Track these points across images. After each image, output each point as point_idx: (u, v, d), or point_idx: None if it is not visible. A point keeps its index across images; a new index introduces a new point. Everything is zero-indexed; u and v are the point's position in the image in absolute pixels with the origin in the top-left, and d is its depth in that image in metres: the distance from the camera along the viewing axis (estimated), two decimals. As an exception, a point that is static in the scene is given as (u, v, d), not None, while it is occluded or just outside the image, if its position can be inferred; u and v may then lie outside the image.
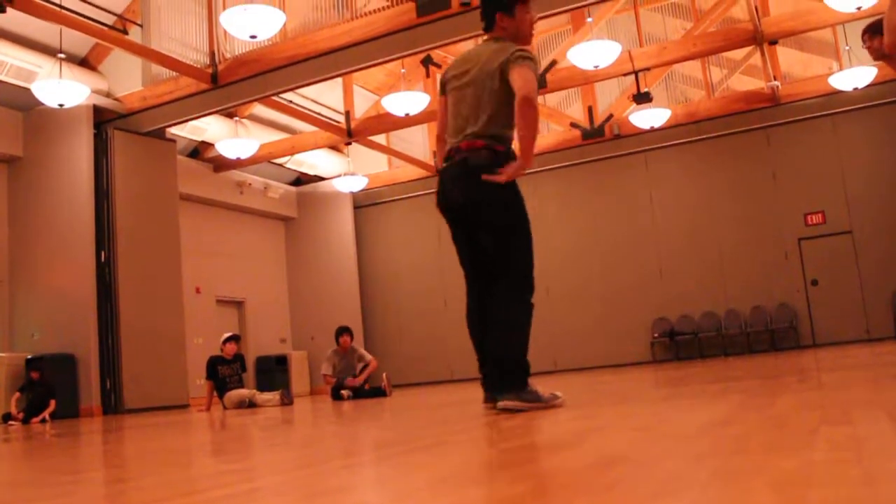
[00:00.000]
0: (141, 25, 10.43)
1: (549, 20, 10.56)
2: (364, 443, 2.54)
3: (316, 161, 14.66)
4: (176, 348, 10.70)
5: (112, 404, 10.01)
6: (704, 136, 13.00)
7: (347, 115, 12.61)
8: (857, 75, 10.74)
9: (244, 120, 12.93)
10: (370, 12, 9.44)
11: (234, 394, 8.23)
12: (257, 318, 14.32)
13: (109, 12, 10.24)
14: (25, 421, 8.64)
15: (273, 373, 13.68)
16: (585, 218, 13.69)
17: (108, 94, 10.84)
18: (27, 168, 10.64)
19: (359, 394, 8.20)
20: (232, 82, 10.04)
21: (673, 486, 1.10)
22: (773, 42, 10.71)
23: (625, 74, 11.11)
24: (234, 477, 1.76)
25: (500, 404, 2.99)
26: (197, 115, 10.59)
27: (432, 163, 13.53)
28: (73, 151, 10.43)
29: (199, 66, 10.10)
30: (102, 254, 10.25)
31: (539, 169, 13.00)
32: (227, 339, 8.64)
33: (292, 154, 13.70)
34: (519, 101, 3.04)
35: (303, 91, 11.43)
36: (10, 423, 8.58)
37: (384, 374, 8.54)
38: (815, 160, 12.35)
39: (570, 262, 13.47)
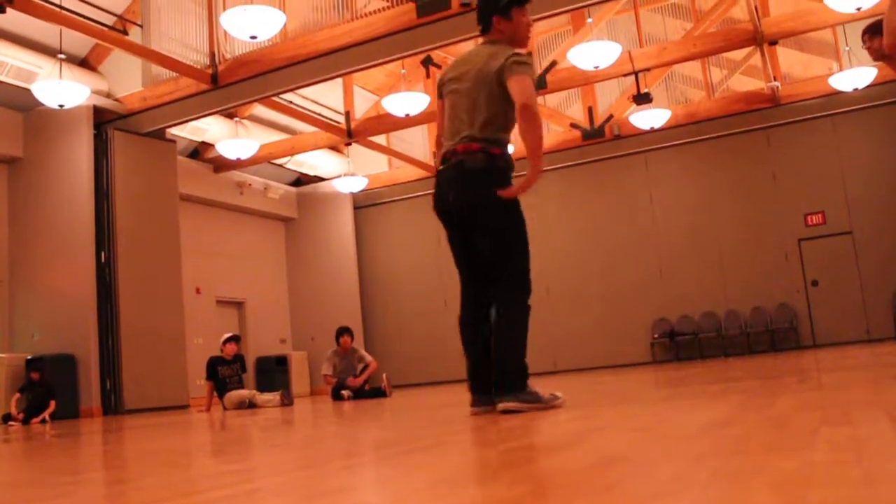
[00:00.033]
0: (141, 26, 10.43)
1: (549, 20, 10.58)
2: (364, 443, 2.54)
3: (316, 161, 14.66)
4: (176, 349, 10.70)
5: (112, 405, 10.00)
6: (704, 137, 13.00)
7: (347, 115, 12.61)
8: (857, 76, 10.74)
9: (244, 120, 12.93)
10: (370, 13, 9.44)
11: (234, 394, 8.23)
12: (257, 318, 14.32)
13: (109, 13, 10.24)
14: (25, 421, 8.64)
15: (273, 373, 13.68)
16: (585, 218, 13.69)
17: (108, 95, 10.84)
18: (27, 168, 10.64)
19: (359, 394, 8.21)
20: (232, 83, 10.04)
21: (673, 487, 1.10)
22: (773, 42, 10.71)
23: (625, 75, 11.11)
24: (234, 478, 1.76)
25: (501, 406, 2.99)
26: (197, 115, 10.60)
27: (432, 163, 13.51)
28: (73, 152, 10.43)
29: (199, 66, 10.10)
30: (102, 254, 10.25)
31: (539, 169, 12.98)
32: (227, 340, 8.64)
33: (292, 154, 13.70)
34: (519, 110, 3.07)
35: (303, 91, 11.43)
36: (10, 423, 8.58)
37: (384, 375, 8.55)
38: (815, 161, 12.35)
39: (570, 263, 13.47)
